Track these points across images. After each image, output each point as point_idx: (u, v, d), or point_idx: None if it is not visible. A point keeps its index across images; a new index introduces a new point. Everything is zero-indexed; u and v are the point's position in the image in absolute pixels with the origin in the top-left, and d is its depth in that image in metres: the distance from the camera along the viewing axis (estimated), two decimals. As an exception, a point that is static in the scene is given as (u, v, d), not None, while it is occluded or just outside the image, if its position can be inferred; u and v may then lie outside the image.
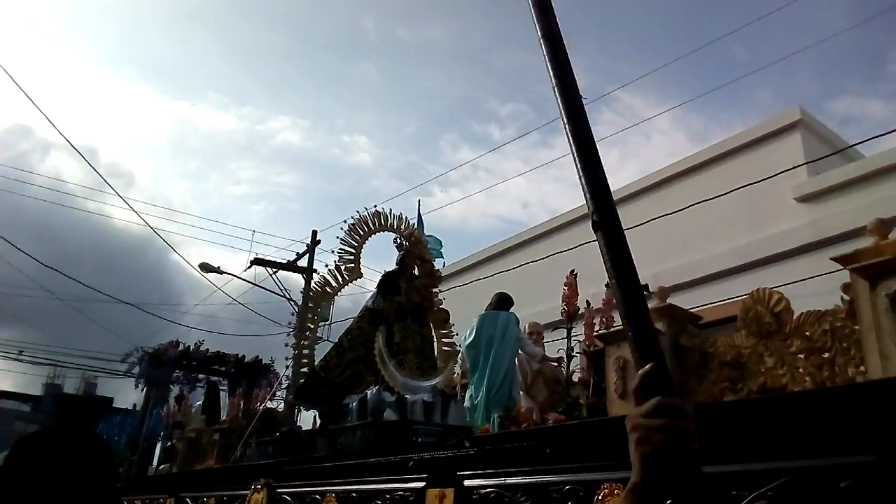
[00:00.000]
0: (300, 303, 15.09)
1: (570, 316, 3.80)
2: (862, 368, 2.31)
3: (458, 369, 6.32)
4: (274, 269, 16.17)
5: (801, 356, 2.55)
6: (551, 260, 9.62)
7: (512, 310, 5.23)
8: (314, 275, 15.01)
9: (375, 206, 6.77)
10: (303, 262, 16.01)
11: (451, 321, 6.88)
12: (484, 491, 3.14)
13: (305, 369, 6.41)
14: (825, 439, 2.03)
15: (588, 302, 3.95)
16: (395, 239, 6.80)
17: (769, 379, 2.64)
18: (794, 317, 2.64)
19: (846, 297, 2.44)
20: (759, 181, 7.97)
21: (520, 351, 5.21)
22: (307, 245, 16.02)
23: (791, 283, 6.19)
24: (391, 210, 6.85)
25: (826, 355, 2.47)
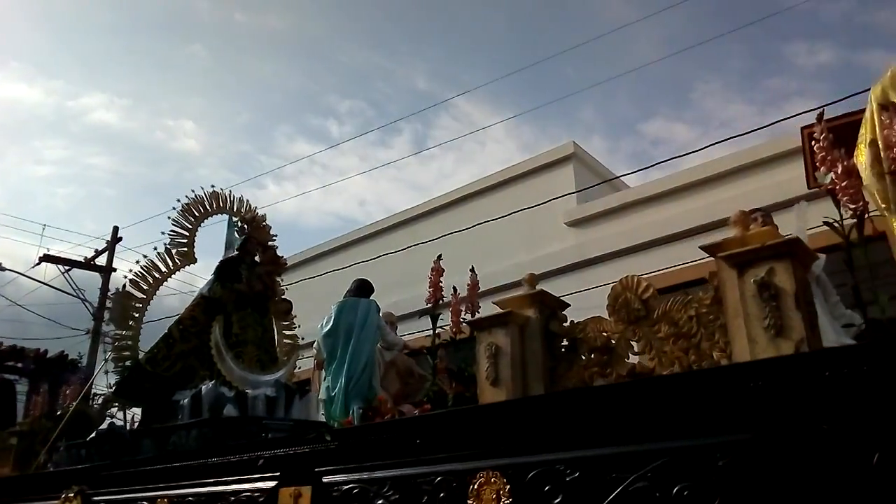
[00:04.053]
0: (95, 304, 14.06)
1: (436, 302, 3.69)
2: (726, 352, 2.42)
3: (304, 362, 6.01)
4: (66, 268, 14.68)
5: (669, 341, 2.64)
6: (386, 259, 9.78)
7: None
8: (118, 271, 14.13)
9: (213, 186, 6.26)
10: (102, 260, 14.76)
11: (293, 312, 6.53)
12: (346, 487, 2.95)
13: (128, 363, 5.78)
14: (700, 421, 2.08)
15: (455, 288, 3.87)
16: (236, 222, 6.34)
17: (638, 363, 2.71)
18: (662, 303, 2.73)
19: (712, 285, 2.56)
20: (535, 205, 8.71)
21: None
22: (107, 241, 14.86)
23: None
24: (230, 192, 6.38)
25: (692, 340, 2.58)
